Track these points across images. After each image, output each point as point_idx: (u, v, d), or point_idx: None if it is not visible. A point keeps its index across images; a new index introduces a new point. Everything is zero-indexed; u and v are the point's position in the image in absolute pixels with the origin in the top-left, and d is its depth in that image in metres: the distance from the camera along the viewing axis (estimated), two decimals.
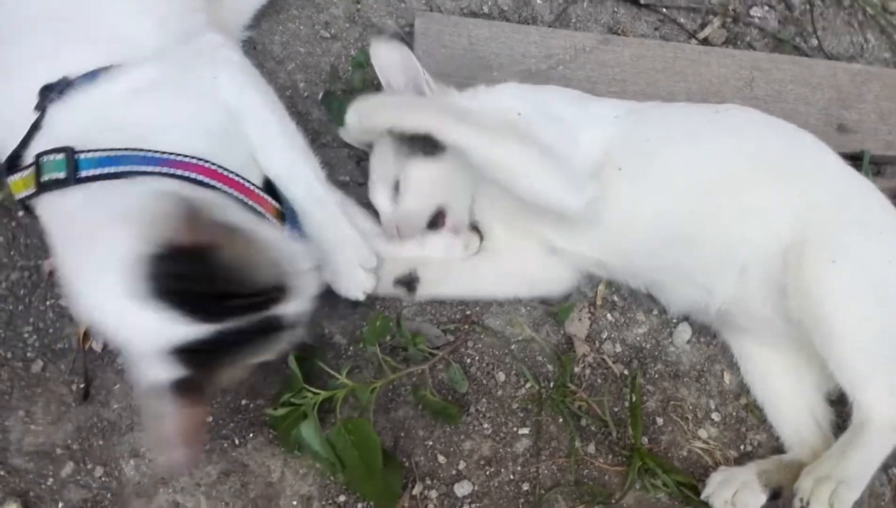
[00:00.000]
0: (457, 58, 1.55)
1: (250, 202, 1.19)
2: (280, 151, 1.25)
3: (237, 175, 1.19)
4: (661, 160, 1.38)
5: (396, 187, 1.40)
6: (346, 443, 1.25)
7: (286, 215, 1.27)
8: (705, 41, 1.74)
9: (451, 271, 1.46)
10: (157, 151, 1.08)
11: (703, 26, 1.79)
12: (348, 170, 1.57)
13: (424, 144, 1.35)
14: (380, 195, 1.43)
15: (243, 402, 1.42)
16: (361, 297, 1.34)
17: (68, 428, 1.39)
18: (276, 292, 1.01)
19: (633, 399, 1.43)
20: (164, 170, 1.08)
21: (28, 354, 1.43)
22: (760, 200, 1.35)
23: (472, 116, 1.31)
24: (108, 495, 1.36)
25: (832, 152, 1.43)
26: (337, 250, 1.29)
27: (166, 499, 1.36)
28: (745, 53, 1.70)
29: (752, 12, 1.80)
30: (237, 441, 1.39)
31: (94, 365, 1.43)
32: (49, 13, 1.24)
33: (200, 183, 1.12)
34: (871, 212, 1.39)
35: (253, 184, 1.22)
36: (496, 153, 1.29)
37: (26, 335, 1.44)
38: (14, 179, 1.11)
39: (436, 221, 1.41)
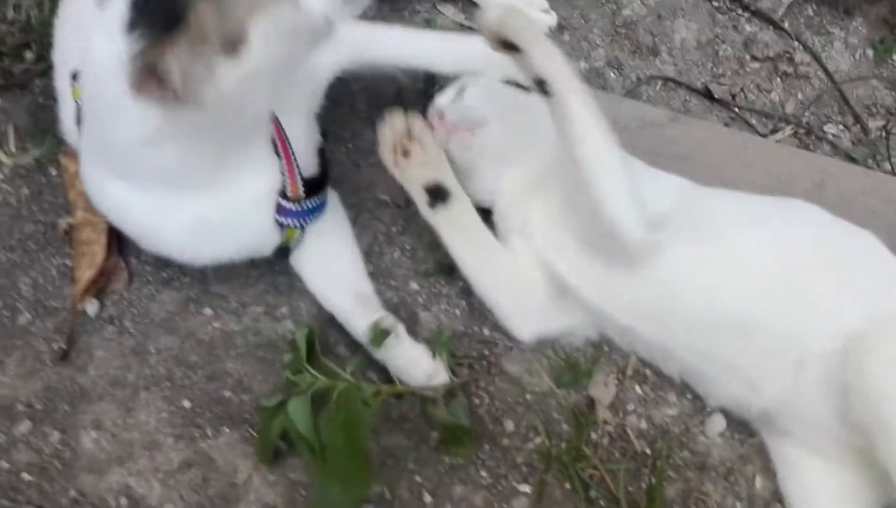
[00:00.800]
0: None
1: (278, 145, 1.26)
2: None
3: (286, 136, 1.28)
4: (724, 233, 1.34)
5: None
6: (333, 424, 1.14)
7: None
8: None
9: (474, 234, 1.42)
10: None
11: (774, 131, 1.77)
12: (390, 191, 1.54)
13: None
14: (445, 95, 1.43)
15: (226, 394, 1.33)
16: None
17: (36, 386, 1.32)
18: None
19: (655, 481, 1.29)
20: None
21: (18, 304, 1.38)
22: (827, 291, 1.28)
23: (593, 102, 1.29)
24: (58, 464, 1.26)
25: (890, 253, 1.36)
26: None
27: (118, 480, 1.26)
28: (817, 156, 1.67)
29: (825, 128, 1.77)
30: (209, 433, 1.29)
31: (82, 329, 1.36)
32: None
33: None
34: None
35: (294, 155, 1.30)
36: (601, 141, 1.28)
37: (22, 287, 1.40)
38: None
39: None
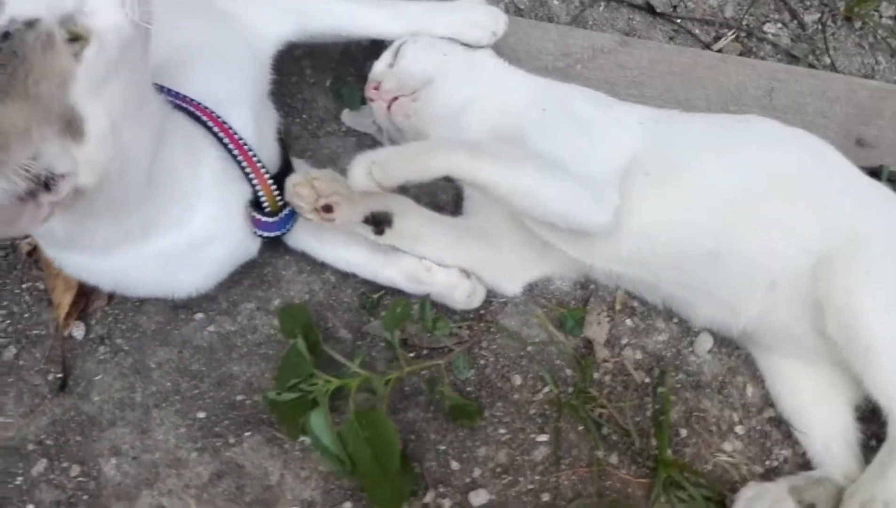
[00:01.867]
0: None
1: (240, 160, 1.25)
2: None
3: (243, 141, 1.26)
4: (688, 169, 1.39)
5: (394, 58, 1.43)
6: (358, 438, 1.21)
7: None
8: (719, 53, 1.79)
9: (427, 233, 1.43)
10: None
11: (717, 39, 1.86)
12: (350, 159, 1.55)
13: None
14: (380, 62, 1.45)
15: (238, 398, 1.37)
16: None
17: (42, 422, 1.33)
18: None
19: (659, 408, 1.41)
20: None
21: (0, 339, 1.37)
22: (789, 212, 1.36)
23: (485, 148, 1.32)
24: (85, 496, 1.29)
25: (854, 166, 1.45)
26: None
27: (150, 502, 1.30)
28: (763, 64, 1.75)
29: (765, 28, 1.86)
30: (231, 440, 1.34)
31: (74, 354, 1.37)
32: None
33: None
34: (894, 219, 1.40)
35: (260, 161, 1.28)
36: (517, 183, 1.28)
37: None
38: None
39: None
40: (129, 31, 0.99)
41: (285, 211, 1.31)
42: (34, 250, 1.40)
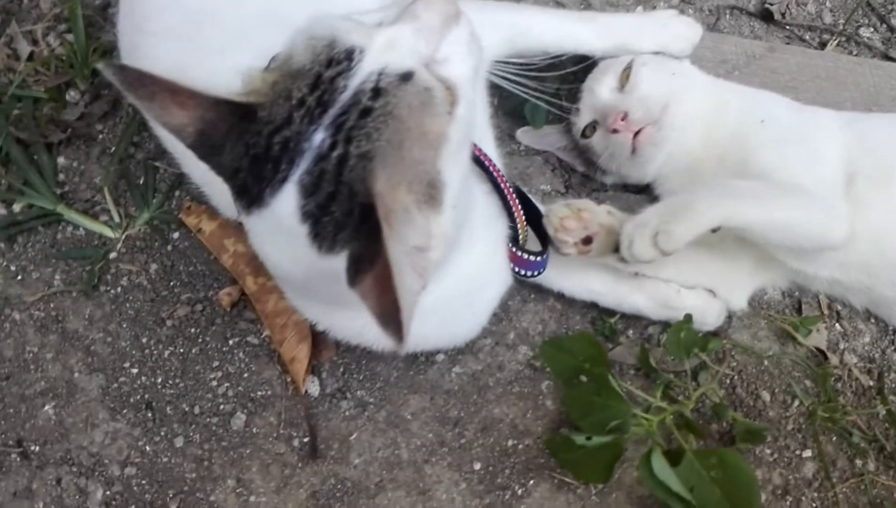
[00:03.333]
0: None
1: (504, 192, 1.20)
2: None
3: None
4: None
5: (623, 77, 1.40)
6: (702, 478, 1.17)
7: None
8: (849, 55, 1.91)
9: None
10: None
11: (822, 45, 1.97)
12: (547, 178, 1.54)
13: None
14: (601, 88, 1.40)
15: (509, 443, 1.30)
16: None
17: (300, 496, 1.21)
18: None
19: (889, 409, 1.46)
20: None
21: (222, 407, 1.24)
22: None
23: (739, 189, 1.33)
24: None
25: None
26: None
27: None
28: (892, 65, 1.88)
29: (860, 32, 2.00)
30: (519, 491, 1.26)
31: (314, 413, 1.26)
32: None
33: None
34: None
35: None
36: (775, 220, 1.30)
37: (213, 383, 1.25)
38: None
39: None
40: (475, 78, 0.92)
41: (547, 251, 1.24)
42: (238, 301, 1.26)
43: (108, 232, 1.31)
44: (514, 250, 1.20)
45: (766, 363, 1.44)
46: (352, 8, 1.05)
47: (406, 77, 0.84)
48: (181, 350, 1.24)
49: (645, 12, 1.57)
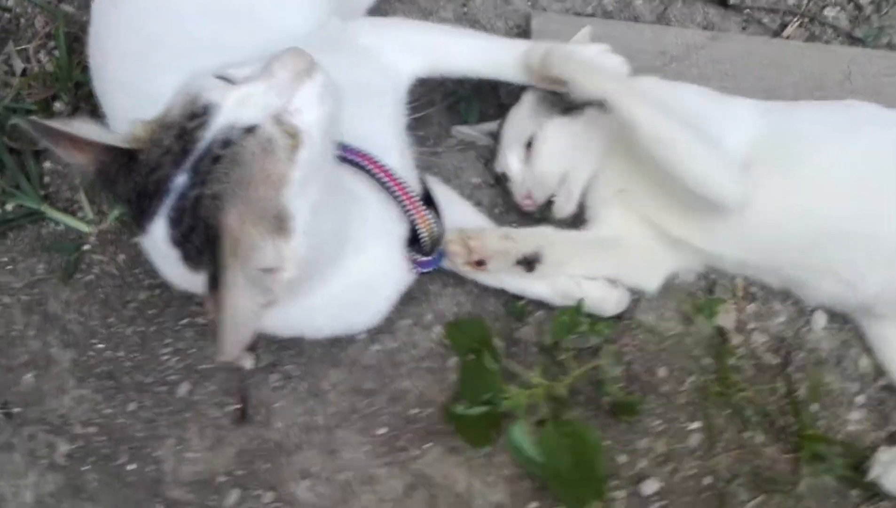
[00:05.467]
0: None
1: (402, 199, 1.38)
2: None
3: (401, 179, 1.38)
4: (812, 155, 1.56)
5: (527, 149, 1.57)
6: (559, 446, 1.39)
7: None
8: (788, 39, 2.01)
9: (573, 255, 1.59)
10: None
11: (783, 26, 2.08)
12: (478, 171, 1.74)
13: (564, 103, 1.53)
14: (511, 156, 1.58)
15: (412, 411, 1.54)
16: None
17: (229, 453, 1.47)
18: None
19: (790, 387, 1.62)
20: None
21: (170, 377, 1.52)
22: None
23: (659, 99, 1.48)
24: None
25: None
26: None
27: None
28: (841, 49, 1.96)
29: (825, 12, 2.09)
30: (415, 452, 1.51)
31: (248, 384, 1.53)
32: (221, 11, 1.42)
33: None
34: None
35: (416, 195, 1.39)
36: (667, 131, 1.45)
37: (164, 357, 1.53)
38: None
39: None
40: (327, 127, 1.10)
41: (439, 249, 1.44)
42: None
43: (84, 227, 1.60)
44: (408, 252, 1.41)
45: (667, 341, 1.62)
46: (282, 34, 1.32)
47: (251, 130, 1.04)
48: (141, 329, 1.53)
49: (574, 46, 1.67)
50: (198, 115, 1.04)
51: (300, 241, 1.09)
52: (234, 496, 1.41)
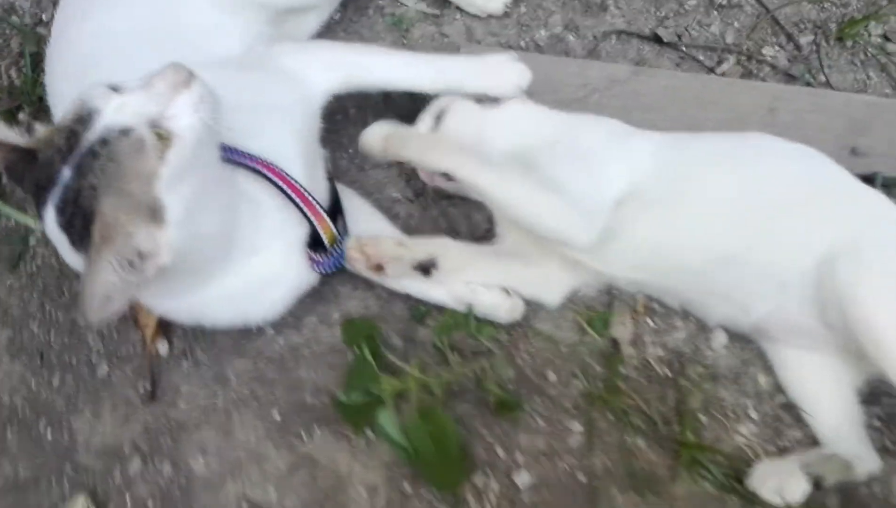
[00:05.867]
0: None
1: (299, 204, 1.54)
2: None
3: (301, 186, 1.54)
4: (692, 188, 1.66)
5: (437, 122, 1.69)
6: (421, 432, 1.52)
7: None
8: (723, 76, 2.13)
9: (468, 262, 1.72)
10: None
11: (720, 63, 2.20)
12: (399, 187, 1.89)
13: None
14: (421, 127, 1.70)
15: (308, 400, 1.69)
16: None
17: (136, 428, 1.64)
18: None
19: (679, 397, 1.72)
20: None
21: (93, 359, 1.71)
22: (794, 220, 1.62)
23: (491, 162, 1.62)
24: (177, 490, 1.61)
25: (849, 173, 1.73)
26: None
27: (235, 492, 1.62)
28: (766, 85, 2.07)
29: (763, 51, 2.20)
30: (304, 436, 1.65)
31: (160, 368, 1.70)
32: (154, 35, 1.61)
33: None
34: (890, 219, 1.68)
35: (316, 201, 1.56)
36: (508, 196, 1.59)
37: (91, 341, 1.72)
38: None
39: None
40: (201, 131, 1.26)
41: (336, 249, 1.59)
42: None
43: (32, 223, 1.82)
44: (308, 252, 1.58)
45: (562, 349, 1.75)
46: (210, 57, 1.55)
47: (125, 132, 1.23)
48: (72, 316, 1.74)
49: (482, 56, 1.85)
50: (84, 119, 1.24)
51: (174, 231, 1.27)
52: (136, 465, 1.57)
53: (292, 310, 1.71)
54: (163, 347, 1.66)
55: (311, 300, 1.73)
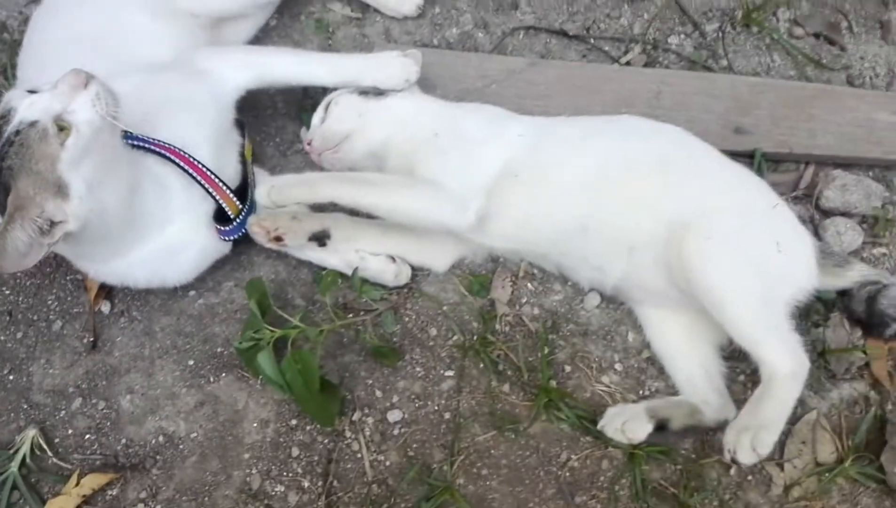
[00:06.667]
0: None
1: (202, 182, 1.86)
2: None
3: (205, 167, 1.86)
4: (555, 166, 1.89)
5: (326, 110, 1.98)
6: (293, 371, 1.84)
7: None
8: (627, 65, 2.37)
9: (359, 233, 2.01)
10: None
11: (626, 52, 2.43)
12: (315, 171, 2.23)
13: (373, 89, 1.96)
14: (315, 116, 1.98)
15: (219, 350, 2.03)
16: None
17: (79, 372, 2.00)
18: None
19: (542, 345, 1.96)
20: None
21: (50, 316, 2.09)
22: (643, 192, 1.82)
23: (368, 178, 1.90)
24: (108, 423, 1.99)
25: (708, 147, 1.94)
26: None
27: (154, 424, 1.96)
28: (655, 71, 2.27)
29: (669, 40, 2.41)
30: (212, 379, 1.98)
31: (102, 323, 2.08)
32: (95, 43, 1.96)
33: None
34: (740, 193, 1.88)
35: (220, 180, 1.89)
36: (394, 206, 1.85)
37: (50, 302, 2.09)
38: None
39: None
40: (98, 123, 1.54)
41: (238, 220, 1.91)
42: None
43: None
44: (214, 223, 1.91)
45: (444, 308, 2.06)
46: (142, 62, 1.92)
47: (33, 124, 1.57)
48: (38, 281, 2.13)
49: (374, 54, 2.13)
50: (5, 116, 1.59)
51: (78, 203, 1.62)
52: (77, 402, 1.94)
53: (213, 276, 2.06)
54: (105, 306, 2.02)
55: (230, 268, 2.07)
